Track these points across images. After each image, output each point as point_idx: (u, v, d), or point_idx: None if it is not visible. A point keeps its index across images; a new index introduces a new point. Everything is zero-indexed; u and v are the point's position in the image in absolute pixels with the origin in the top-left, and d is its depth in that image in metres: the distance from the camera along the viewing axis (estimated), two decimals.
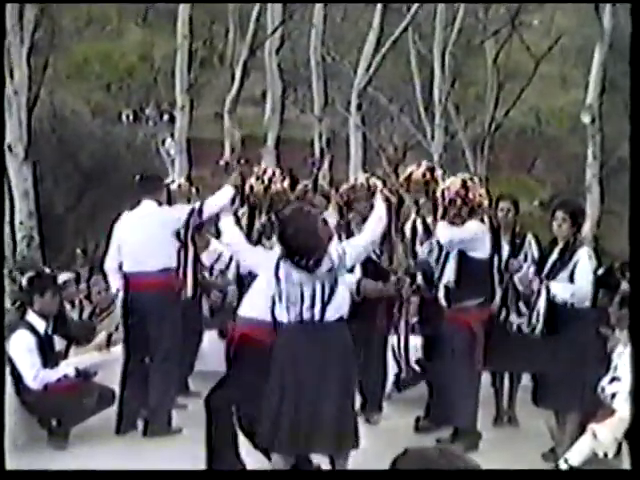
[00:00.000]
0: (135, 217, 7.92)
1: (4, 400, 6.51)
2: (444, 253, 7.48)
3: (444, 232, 7.33)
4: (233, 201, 7.52)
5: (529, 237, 8.15)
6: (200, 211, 7.71)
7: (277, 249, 6.16)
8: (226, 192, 7.52)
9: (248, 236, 7.11)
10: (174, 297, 7.87)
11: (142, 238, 7.78)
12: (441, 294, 7.47)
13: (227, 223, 6.49)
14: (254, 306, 6.29)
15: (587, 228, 15.86)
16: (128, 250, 7.89)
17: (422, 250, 7.86)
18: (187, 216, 7.77)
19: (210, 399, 6.49)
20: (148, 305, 7.75)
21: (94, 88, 26.18)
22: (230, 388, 6.38)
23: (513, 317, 7.37)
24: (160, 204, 7.91)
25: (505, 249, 7.93)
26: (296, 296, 5.95)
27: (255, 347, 6.20)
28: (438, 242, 7.48)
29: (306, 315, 5.96)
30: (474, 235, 7.35)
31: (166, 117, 24.95)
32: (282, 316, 6.03)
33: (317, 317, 5.95)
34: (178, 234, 7.99)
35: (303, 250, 5.94)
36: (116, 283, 8.05)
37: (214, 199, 7.62)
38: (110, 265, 8.10)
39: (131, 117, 26.25)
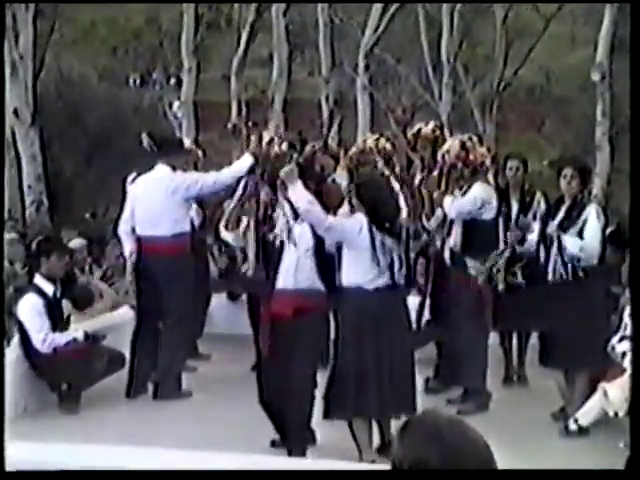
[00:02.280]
0: (148, 181, 7.86)
1: (4, 399, 6.47)
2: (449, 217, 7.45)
3: (452, 207, 7.30)
4: (252, 170, 7.14)
5: (538, 195, 8.11)
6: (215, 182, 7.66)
7: (358, 216, 6.13)
8: (245, 161, 7.21)
9: None
10: (186, 262, 7.85)
11: (153, 202, 7.75)
12: (447, 256, 7.43)
13: (300, 191, 6.16)
14: (303, 274, 6.24)
15: (597, 186, 15.77)
16: (140, 214, 7.86)
17: (429, 225, 7.77)
18: (200, 186, 7.70)
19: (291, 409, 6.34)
20: (160, 269, 7.74)
21: (100, 52, 26.03)
22: (304, 377, 6.25)
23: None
24: (174, 169, 7.82)
25: (514, 207, 7.90)
26: (388, 262, 6.09)
27: (316, 315, 6.26)
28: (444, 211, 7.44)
29: (397, 279, 6.14)
30: (481, 202, 7.31)
31: (173, 80, 24.82)
32: (370, 282, 6.08)
33: (402, 281, 6.18)
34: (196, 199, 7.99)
35: (392, 216, 6.15)
36: (129, 246, 8.01)
37: (232, 169, 7.42)
38: (123, 228, 8.08)
39: (138, 81, 26.12)
